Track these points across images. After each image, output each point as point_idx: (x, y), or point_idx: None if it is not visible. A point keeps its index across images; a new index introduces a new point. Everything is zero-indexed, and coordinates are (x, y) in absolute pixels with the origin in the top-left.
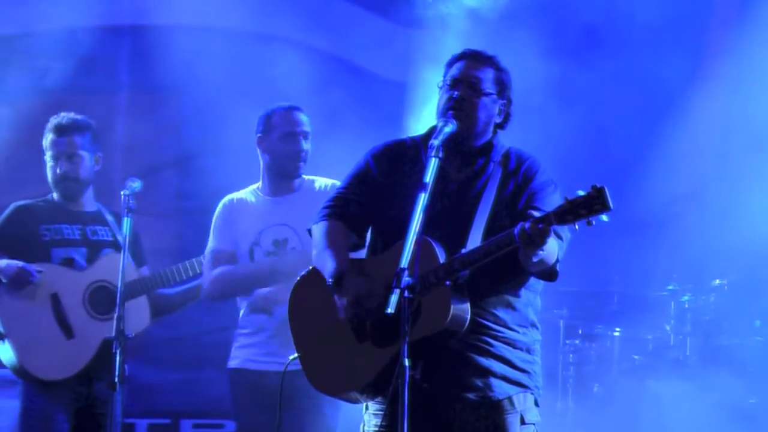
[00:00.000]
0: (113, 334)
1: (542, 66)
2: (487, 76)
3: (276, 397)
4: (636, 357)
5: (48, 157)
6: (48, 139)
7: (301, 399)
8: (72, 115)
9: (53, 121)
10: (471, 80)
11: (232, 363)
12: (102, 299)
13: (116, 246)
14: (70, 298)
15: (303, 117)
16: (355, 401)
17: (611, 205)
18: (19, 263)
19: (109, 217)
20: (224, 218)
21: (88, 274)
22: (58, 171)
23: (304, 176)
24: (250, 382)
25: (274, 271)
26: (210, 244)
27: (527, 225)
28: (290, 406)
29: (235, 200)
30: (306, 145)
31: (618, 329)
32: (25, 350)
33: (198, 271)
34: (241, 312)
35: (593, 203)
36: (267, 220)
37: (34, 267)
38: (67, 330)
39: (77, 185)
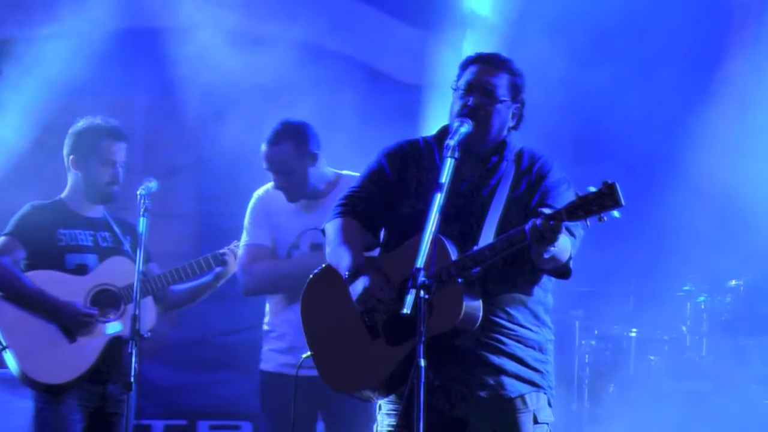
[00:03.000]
0: (127, 333)
1: (558, 67)
2: (502, 82)
3: (312, 402)
4: (652, 358)
5: (101, 161)
6: (102, 142)
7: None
8: (107, 118)
9: (103, 124)
10: (486, 87)
11: (266, 366)
12: (104, 302)
13: (120, 253)
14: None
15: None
16: (368, 399)
17: (623, 201)
18: (78, 305)
19: (114, 224)
20: (260, 212)
21: (90, 278)
22: (115, 177)
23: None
24: (285, 386)
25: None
26: (246, 238)
27: (538, 222)
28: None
29: (270, 193)
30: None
31: (634, 330)
32: (26, 357)
33: (206, 269)
34: (268, 310)
35: (604, 199)
36: (305, 222)
37: (95, 310)
38: (70, 334)
39: (117, 192)
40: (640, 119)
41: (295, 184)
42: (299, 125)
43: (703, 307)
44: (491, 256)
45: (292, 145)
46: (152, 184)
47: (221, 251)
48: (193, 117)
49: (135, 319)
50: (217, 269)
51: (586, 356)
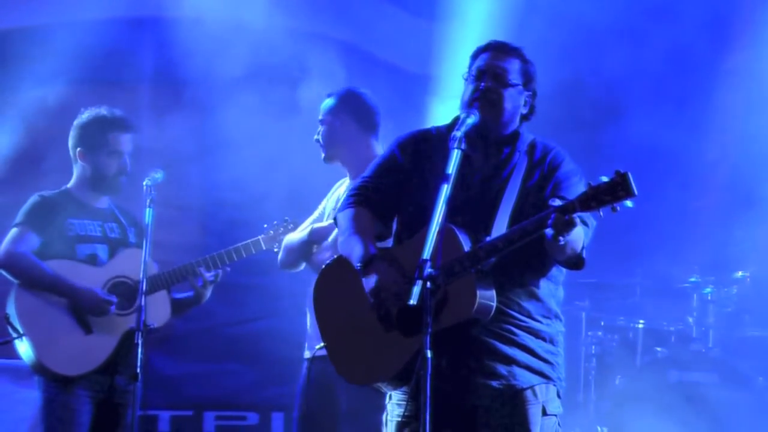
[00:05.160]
0: (135, 325)
1: (563, 56)
2: (513, 67)
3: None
4: (658, 349)
5: (108, 152)
6: (110, 134)
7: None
8: (112, 109)
9: (109, 115)
10: (497, 71)
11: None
12: (121, 294)
13: (126, 244)
14: None
15: None
16: (381, 390)
17: (635, 190)
18: (99, 290)
19: (121, 216)
20: (325, 202)
21: (106, 269)
22: (123, 167)
23: None
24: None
25: (309, 239)
26: (308, 219)
27: (553, 215)
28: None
29: (337, 187)
30: None
31: (640, 321)
32: (44, 347)
33: (219, 264)
34: None
35: (617, 189)
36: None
37: (113, 297)
38: (86, 326)
39: (125, 183)
40: (646, 110)
41: (323, 136)
42: (351, 89)
43: (709, 298)
44: (504, 246)
45: (334, 99)
46: (158, 175)
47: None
48: (198, 107)
49: (140, 310)
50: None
51: (593, 347)
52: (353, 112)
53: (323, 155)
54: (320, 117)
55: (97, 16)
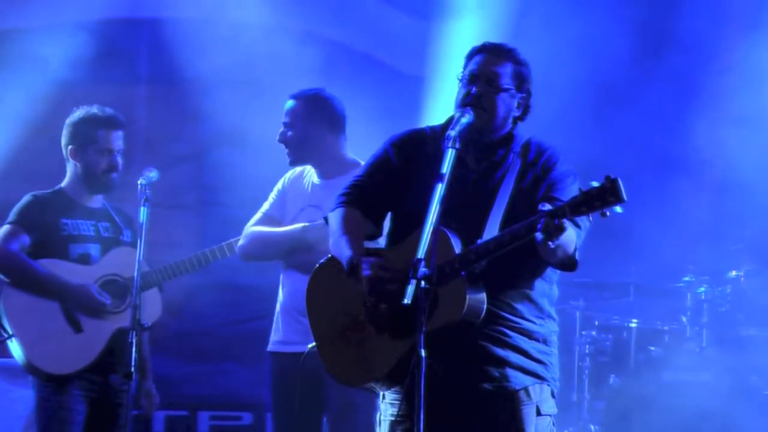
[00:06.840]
0: (128, 324)
1: (558, 57)
2: (506, 71)
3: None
4: (652, 348)
5: (98, 150)
6: (99, 131)
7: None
8: (102, 107)
9: (99, 113)
10: (489, 76)
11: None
12: (112, 292)
13: (120, 243)
14: None
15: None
16: (372, 391)
17: (625, 196)
18: (93, 287)
19: (116, 215)
20: (282, 187)
21: (97, 268)
22: (113, 165)
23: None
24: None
25: (302, 237)
26: (263, 206)
27: (542, 219)
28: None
29: (298, 173)
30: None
31: (634, 320)
32: (33, 346)
33: (211, 261)
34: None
35: (607, 194)
36: (307, 200)
37: (107, 298)
38: (76, 324)
39: (116, 180)
40: (640, 111)
41: (293, 140)
42: (321, 92)
43: (703, 297)
44: (495, 249)
45: (303, 102)
46: (152, 174)
47: (225, 243)
48: (193, 107)
49: (135, 308)
50: None
51: (587, 347)
52: (325, 118)
53: (290, 159)
54: (286, 120)
55: (93, 16)
